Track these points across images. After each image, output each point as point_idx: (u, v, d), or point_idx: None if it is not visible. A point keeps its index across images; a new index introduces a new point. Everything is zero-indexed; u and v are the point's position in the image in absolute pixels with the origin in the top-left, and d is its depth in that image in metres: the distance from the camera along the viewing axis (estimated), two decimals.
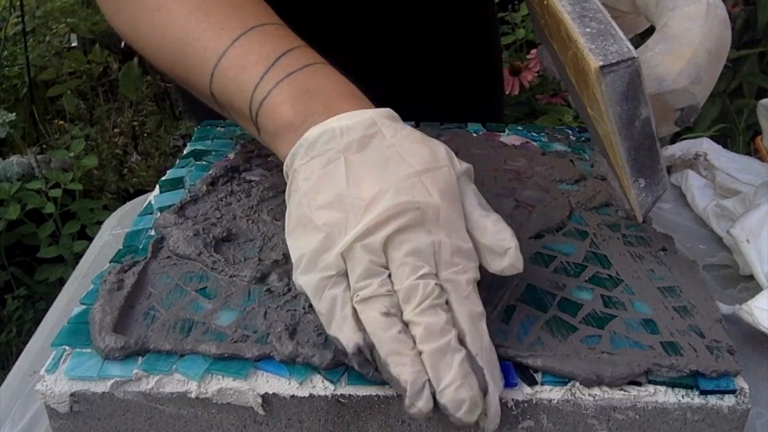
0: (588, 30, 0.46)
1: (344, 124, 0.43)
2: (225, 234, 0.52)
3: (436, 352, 0.36)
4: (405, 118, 0.74)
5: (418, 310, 0.37)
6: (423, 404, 0.36)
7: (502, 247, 0.41)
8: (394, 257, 0.39)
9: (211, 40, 0.49)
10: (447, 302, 0.38)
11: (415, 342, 0.37)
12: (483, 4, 0.87)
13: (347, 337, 0.38)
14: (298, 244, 0.41)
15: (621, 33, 0.46)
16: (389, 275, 0.39)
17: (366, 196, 0.40)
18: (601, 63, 0.44)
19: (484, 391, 0.37)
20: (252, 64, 0.47)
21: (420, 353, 0.37)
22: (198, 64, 0.49)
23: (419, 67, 0.83)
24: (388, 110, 0.46)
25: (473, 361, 0.37)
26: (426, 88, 0.83)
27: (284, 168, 0.46)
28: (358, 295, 0.39)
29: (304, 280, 0.40)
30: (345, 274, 0.40)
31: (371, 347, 0.37)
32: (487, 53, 0.90)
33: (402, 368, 0.36)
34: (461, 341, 0.37)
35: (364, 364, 0.38)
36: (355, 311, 0.39)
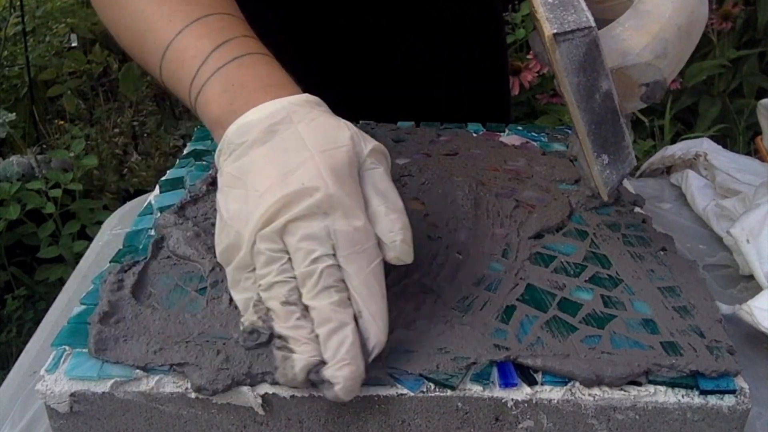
0: (551, 0, 0.46)
1: (256, 117, 0.44)
2: None
3: (327, 334, 0.39)
4: (410, 116, 0.75)
5: (312, 294, 0.39)
6: (299, 373, 0.39)
7: (390, 239, 0.42)
8: (289, 243, 0.40)
9: (161, 30, 0.50)
10: (345, 281, 0.40)
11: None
12: (489, 3, 0.87)
13: (250, 321, 0.41)
14: (216, 240, 0.43)
15: (584, 4, 0.46)
16: (290, 260, 0.40)
17: (262, 187, 0.41)
18: (555, 30, 0.44)
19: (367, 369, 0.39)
20: (189, 58, 0.48)
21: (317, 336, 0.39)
22: (151, 54, 0.51)
23: (426, 66, 0.83)
24: (305, 96, 0.46)
25: (364, 344, 0.39)
26: (432, 87, 0.83)
27: (214, 163, 0.47)
28: (260, 284, 0.41)
29: (227, 271, 0.43)
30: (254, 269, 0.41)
31: (257, 332, 0.40)
32: (494, 53, 0.90)
33: (301, 348, 0.39)
34: (356, 320, 0.39)
35: (250, 346, 0.41)
36: (258, 297, 0.41)
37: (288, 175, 0.41)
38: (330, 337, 0.39)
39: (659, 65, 0.48)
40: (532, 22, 0.48)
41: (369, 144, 0.44)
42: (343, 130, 0.44)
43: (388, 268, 0.49)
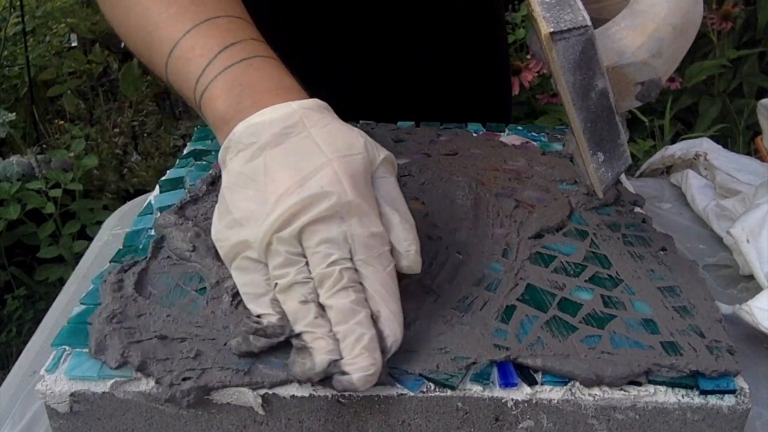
0: (547, 0, 0.46)
1: (267, 118, 0.44)
2: None
3: (346, 331, 0.40)
4: (412, 116, 0.75)
5: (330, 294, 0.40)
6: (319, 363, 0.39)
7: (405, 248, 0.43)
8: (307, 246, 0.41)
9: (168, 29, 0.50)
10: (362, 284, 0.41)
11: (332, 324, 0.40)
12: (490, 2, 0.87)
13: (268, 320, 0.41)
14: (221, 236, 0.44)
15: (580, 4, 0.46)
16: (307, 263, 0.41)
17: (279, 189, 0.42)
18: (552, 29, 0.45)
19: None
20: (197, 56, 0.48)
21: (336, 334, 0.40)
22: (157, 52, 0.51)
23: (426, 65, 0.83)
24: (315, 101, 0.47)
25: (382, 341, 0.40)
26: (434, 86, 0.83)
27: (219, 161, 0.47)
28: (277, 284, 0.41)
29: (232, 269, 0.43)
30: (265, 264, 0.42)
31: (291, 332, 0.41)
32: (495, 52, 0.90)
33: (320, 348, 0.39)
34: (375, 319, 0.40)
35: (264, 346, 0.41)
36: (275, 297, 0.42)
37: (306, 179, 0.42)
38: (349, 334, 0.39)
39: (654, 64, 0.48)
40: (530, 21, 0.48)
41: (381, 153, 0.45)
42: (357, 138, 0.45)
43: None
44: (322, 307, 0.41)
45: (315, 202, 0.41)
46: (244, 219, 0.42)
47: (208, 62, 0.48)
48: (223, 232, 0.44)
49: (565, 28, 0.45)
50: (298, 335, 0.40)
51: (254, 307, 0.43)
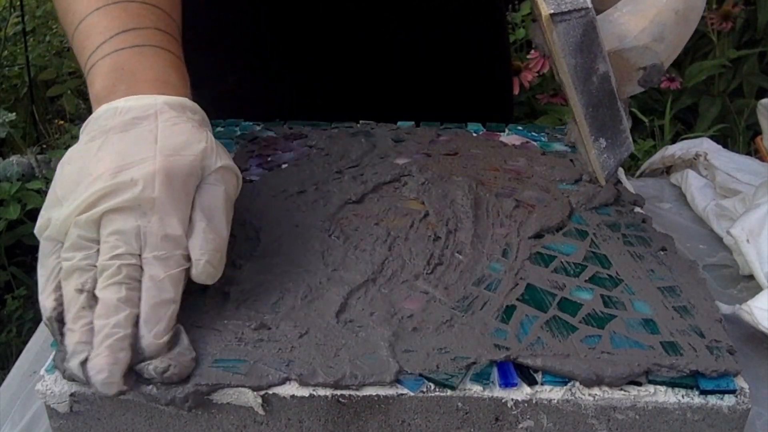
0: None
1: (127, 105, 0.45)
2: None
3: (100, 328, 0.39)
4: (413, 116, 0.74)
5: (102, 286, 0.40)
6: (73, 367, 0.39)
7: (196, 256, 0.42)
8: (101, 234, 0.41)
9: (82, 3, 0.51)
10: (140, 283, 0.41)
11: None
12: (492, 3, 0.87)
13: (45, 306, 0.41)
14: (42, 212, 0.44)
15: None
16: (98, 250, 0.41)
17: (97, 171, 0.42)
18: (553, 11, 0.45)
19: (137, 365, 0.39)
20: (96, 34, 0.50)
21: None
22: (68, 26, 0.52)
23: (429, 66, 0.83)
24: (183, 100, 0.47)
25: (137, 343, 0.39)
26: (435, 86, 0.83)
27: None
28: (62, 267, 0.41)
29: (40, 242, 0.43)
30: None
31: (59, 317, 0.40)
32: (497, 53, 0.90)
33: (73, 337, 0.39)
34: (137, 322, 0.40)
35: (55, 332, 0.40)
36: (59, 282, 0.41)
37: (123, 168, 0.42)
38: (101, 329, 0.39)
39: (656, 49, 0.48)
40: (532, 10, 0.48)
41: (221, 161, 0.45)
42: (198, 142, 0.45)
43: (387, 267, 0.49)
44: (95, 299, 0.40)
45: (120, 190, 0.41)
46: (63, 197, 0.43)
47: (103, 41, 0.49)
48: (44, 208, 0.44)
49: (566, 10, 0.45)
50: (64, 324, 0.40)
51: (41, 295, 0.41)
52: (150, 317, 0.40)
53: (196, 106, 0.48)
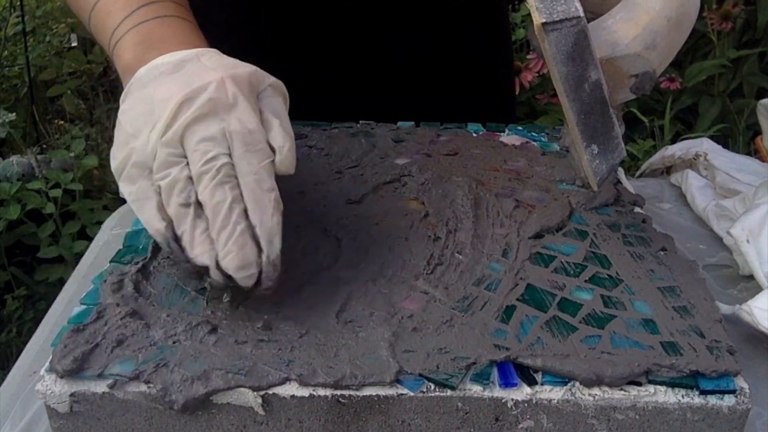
0: None
1: (167, 60, 0.47)
2: None
3: (220, 228, 0.42)
4: (415, 115, 0.74)
5: (206, 191, 0.42)
6: (214, 275, 0.42)
7: (279, 143, 0.45)
8: (188, 147, 0.43)
9: None
10: (237, 179, 0.43)
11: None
12: (493, 3, 0.87)
13: (154, 228, 0.43)
14: (115, 151, 0.45)
15: None
16: (188, 163, 0.43)
17: (165, 95, 0.44)
18: (544, 20, 0.45)
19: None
20: (116, 10, 0.51)
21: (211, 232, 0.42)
22: (83, 5, 0.54)
23: (430, 66, 0.82)
24: (214, 50, 0.49)
25: (254, 231, 0.42)
26: (436, 86, 0.83)
27: (120, 102, 0.48)
28: (159, 186, 0.43)
29: (121, 180, 0.44)
30: (152, 170, 0.44)
31: (174, 236, 0.43)
32: (498, 52, 0.90)
33: (196, 249, 0.42)
34: (247, 214, 0.42)
35: (175, 250, 0.43)
36: (160, 203, 0.43)
37: (191, 85, 0.44)
38: (221, 230, 0.41)
39: (648, 56, 0.49)
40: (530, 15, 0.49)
41: (270, 79, 0.48)
42: (246, 65, 0.47)
43: (387, 267, 0.49)
44: (201, 205, 0.42)
45: (194, 96, 0.43)
46: (136, 131, 0.44)
47: (125, 16, 0.50)
48: (116, 147, 0.45)
49: (558, 19, 0.45)
50: (177, 239, 0.42)
51: (141, 215, 0.43)
52: (256, 208, 0.42)
53: (220, 53, 0.50)
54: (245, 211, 0.42)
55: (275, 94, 0.48)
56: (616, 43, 0.48)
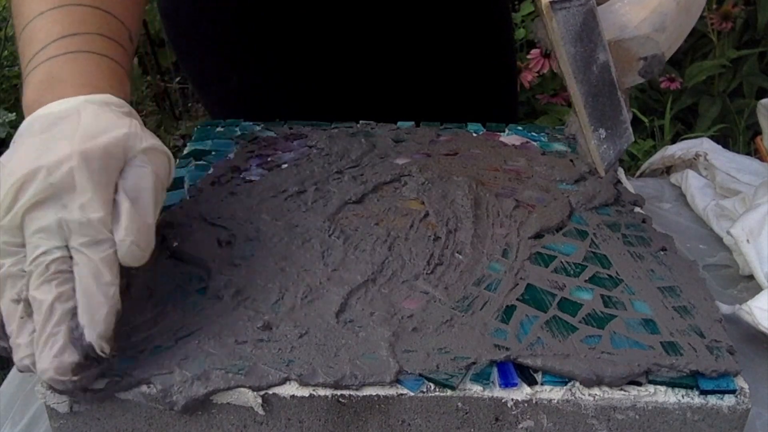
0: None
1: (50, 111, 0.44)
2: (224, 234, 0.52)
3: (39, 331, 0.38)
4: (417, 115, 0.74)
5: (33, 288, 0.39)
6: (23, 369, 0.39)
7: (120, 237, 0.40)
8: (26, 236, 0.40)
9: (30, 5, 0.50)
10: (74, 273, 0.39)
11: None
12: (498, 3, 0.87)
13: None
14: None
15: None
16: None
17: (15, 168, 0.40)
18: None
19: (87, 357, 0.38)
20: (37, 39, 0.48)
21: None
22: (17, 28, 0.51)
23: (431, 66, 0.83)
24: (105, 96, 0.45)
25: (79, 332, 0.38)
26: (437, 86, 0.83)
27: None
28: None
29: None
30: None
31: (3, 333, 0.40)
32: (500, 52, 0.90)
33: (20, 352, 0.39)
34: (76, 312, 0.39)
35: (5, 348, 0.40)
36: None
37: (39, 159, 0.40)
38: (41, 333, 0.38)
39: (657, 39, 0.48)
40: (533, 2, 0.48)
41: (146, 143, 0.43)
42: (120, 127, 0.43)
43: (387, 267, 0.49)
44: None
45: (34, 178, 0.40)
46: None
47: (42, 47, 0.47)
48: None
49: None
50: (8, 336, 0.39)
51: None
52: (87, 307, 0.39)
53: (122, 101, 0.46)
54: (75, 308, 0.39)
55: (146, 162, 0.43)
56: (624, 25, 0.48)
